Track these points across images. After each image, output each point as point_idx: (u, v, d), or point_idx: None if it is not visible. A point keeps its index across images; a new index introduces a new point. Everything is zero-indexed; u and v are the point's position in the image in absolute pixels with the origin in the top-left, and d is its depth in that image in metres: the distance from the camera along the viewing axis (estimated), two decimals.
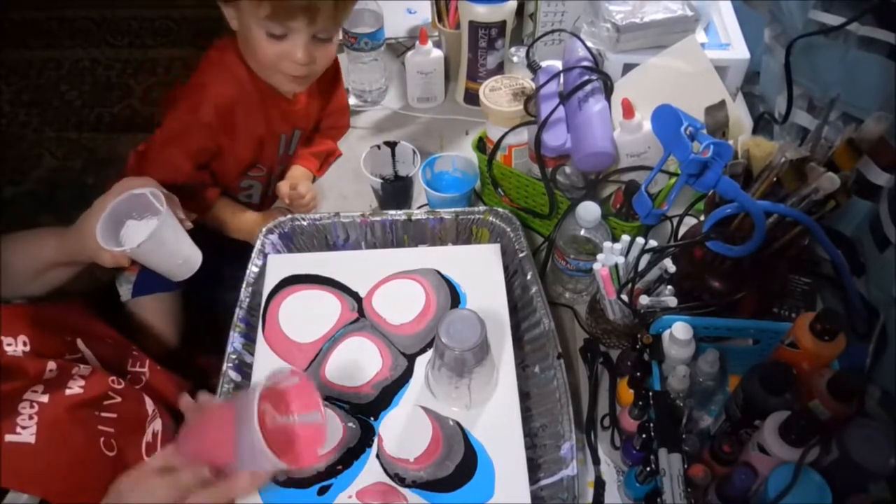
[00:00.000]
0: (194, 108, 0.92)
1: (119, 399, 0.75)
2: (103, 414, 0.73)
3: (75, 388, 0.72)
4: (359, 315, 0.79)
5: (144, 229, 0.75)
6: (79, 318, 0.81)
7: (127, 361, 0.82)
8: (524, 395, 0.75)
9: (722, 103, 0.79)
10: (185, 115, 0.92)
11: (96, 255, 0.75)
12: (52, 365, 0.70)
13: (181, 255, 0.80)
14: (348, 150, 1.14)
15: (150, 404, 0.79)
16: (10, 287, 0.79)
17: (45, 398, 0.68)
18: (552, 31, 1.14)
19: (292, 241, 0.87)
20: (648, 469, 0.67)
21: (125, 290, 1.03)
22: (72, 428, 0.68)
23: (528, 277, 0.80)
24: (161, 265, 0.79)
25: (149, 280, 1.03)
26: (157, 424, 0.79)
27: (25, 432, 0.65)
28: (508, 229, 0.86)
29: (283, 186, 1.02)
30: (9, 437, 0.64)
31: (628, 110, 0.85)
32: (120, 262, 0.75)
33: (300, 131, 1.07)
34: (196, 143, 0.94)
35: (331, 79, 1.07)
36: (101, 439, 0.71)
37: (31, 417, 0.66)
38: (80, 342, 0.78)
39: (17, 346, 0.70)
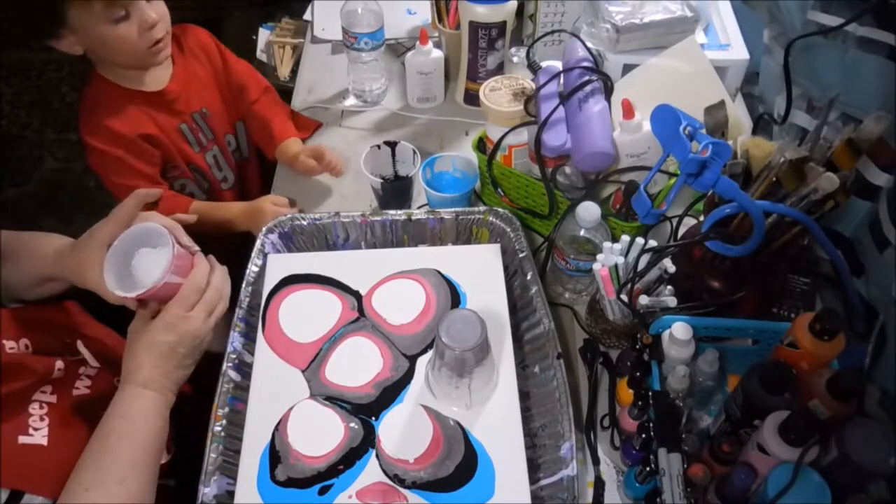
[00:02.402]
0: (99, 151, 0.97)
1: None
2: None
3: (82, 388, 0.72)
4: (359, 314, 0.79)
5: (159, 261, 0.72)
6: (76, 320, 0.80)
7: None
8: (524, 395, 0.75)
9: (721, 103, 0.79)
10: (100, 158, 0.98)
11: (100, 290, 0.73)
12: (59, 364, 0.70)
13: None
14: (348, 149, 1.14)
15: None
16: (7, 292, 0.79)
17: (53, 398, 0.68)
18: (552, 32, 1.14)
19: (292, 241, 0.87)
20: (648, 469, 0.67)
21: None
22: (81, 427, 0.69)
23: (528, 277, 0.80)
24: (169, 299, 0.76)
25: None
26: None
27: (38, 434, 0.65)
28: (508, 229, 0.86)
29: (308, 162, 1.06)
30: (22, 439, 0.64)
31: (628, 111, 0.85)
32: (128, 304, 0.73)
33: (203, 113, 1.09)
34: (129, 172, 0.99)
35: (203, 47, 1.09)
36: None
37: (41, 419, 0.66)
38: (80, 344, 0.77)
39: (19, 349, 0.70)
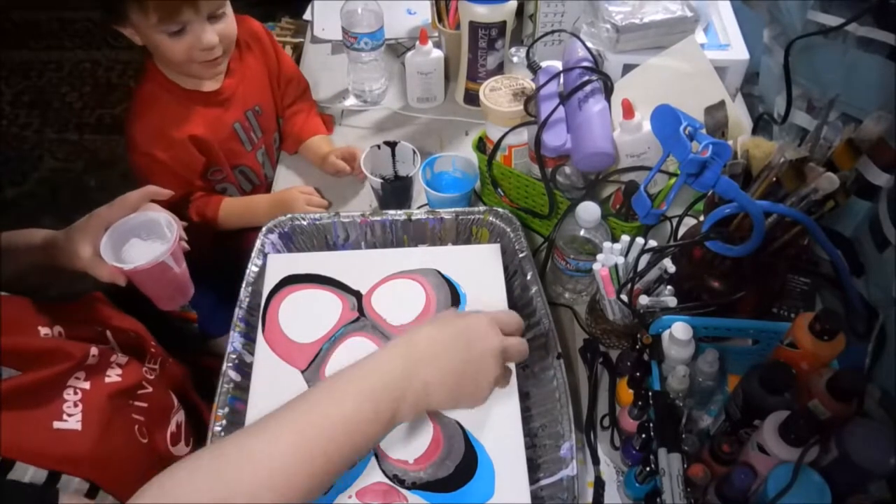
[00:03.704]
0: (143, 153, 0.97)
1: (150, 389, 0.76)
2: (136, 403, 0.74)
3: (113, 376, 0.73)
4: (359, 314, 0.79)
5: (148, 252, 0.75)
6: (103, 310, 0.81)
7: (146, 356, 0.82)
8: (524, 395, 0.75)
9: (721, 103, 0.79)
10: (142, 159, 0.97)
11: (92, 268, 0.74)
12: (94, 350, 0.71)
13: (178, 286, 0.80)
14: None
15: (173, 396, 0.80)
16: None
17: (86, 385, 0.69)
18: (552, 32, 1.14)
19: (292, 241, 0.87)
20: (648, 469, 0.67)
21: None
22: (112, 415, 0.70)
23: (528, 277, 0.80)
24: (156, 292, 0.79)
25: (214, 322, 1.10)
26: (180, 416, 0.80)
27: (72, 419, 0.66)
28: (508, 229, 0.86)
29: (338, 163, 1.05)
30: (57, 424, 0.65)
31: (628, 111, 0.85)
32: (116, 279, 0.74)
33: (256, 111, 1.08)
34: (167, 175, 0.98)
35: (258, 40, 1.09)
36: (136, 426, 0.72)
37: (75, 405, 0.67)
38: (108, 333, 0.78)
39: (53, 335, 0.71)
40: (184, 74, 0.97)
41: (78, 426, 0.66)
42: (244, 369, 0.75)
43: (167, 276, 0.77)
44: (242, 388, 0.74)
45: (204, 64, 0.94)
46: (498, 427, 0.70)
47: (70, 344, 0.70)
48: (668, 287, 0.77)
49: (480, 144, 0.98)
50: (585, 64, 0.91)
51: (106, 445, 0.67)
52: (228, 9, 0.95)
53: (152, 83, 0.98)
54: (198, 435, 0.82)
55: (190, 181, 1.02)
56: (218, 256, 1.15)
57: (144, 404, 0.75)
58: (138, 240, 0.78)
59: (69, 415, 0.66)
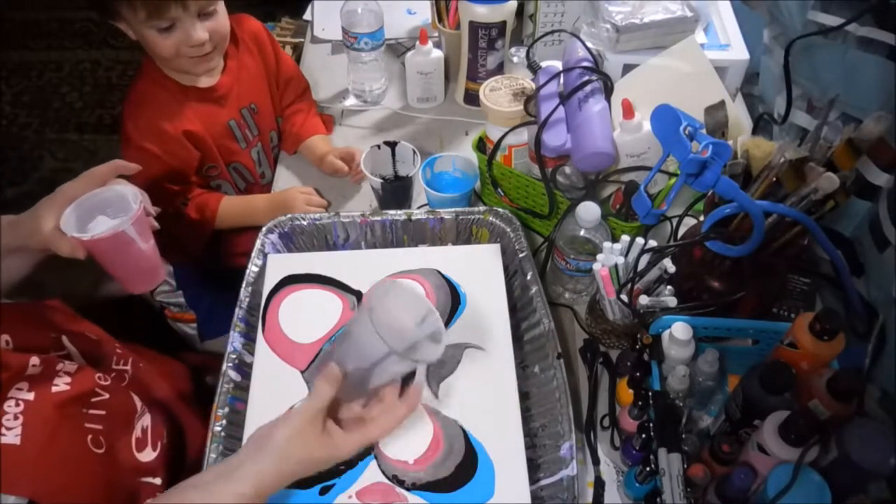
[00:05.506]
0: (137, 147, 0.96)
1: (107, 396, 0.73)
2: (91, 411, 0.71)
3: (61, 384, 0.70)
4: None
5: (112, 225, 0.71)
6: (61, 316, 0.79)
7: (111, 359, 0.80)
8: (524, 395, 0.75)
9: (721, 103, 0.79)
10: (136, 153, 0.97)
11: (52, 242, 0.70)
12: (35, 360, 0.68)
13: (146, 263, 0.76)
14: None
15: (137, 400, 0.78)
16: None
17: (30, 396, 0.66)
18: (552, 32, 1.14)
19: (292, 241, 0.87)
20: (648, 469, 0.67)
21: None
22: (59, 426, 0.67)
23: (528, 277, 0.80)
24: (119, 269, 0.76)
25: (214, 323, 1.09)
26: (145, 420, 0.78)
27: (10, 433, 0.63)
28: (508, 229, 0.86)
29: (336, 163, 1.06)
30: None
31: (628, 111, 0.85)
32: (77, 252, 0.70)
33: (251, 109, 1.08)
34: (162, 169, 0.98)
35: (257, 39, 1.08)
36: (89, 437, 0.70)
37: (16, 417, 0.65)
38: (65, 339, 0.76)
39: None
40: (175, 70, 0.98)
41: (17, 440, 0.63)
42: (244, 369, 0.75)
43: (131, 251, 0.73)
44: (242, 388, 0.74)
45: (194, 59, 0.94)
46: (498, 427, 0.70)
47: (7, 354, 0.68)
48: (668, 287, 0.77)
49: (480, 144, 0.98)
50: (585, 64, 0.91)
51: (49, 458, 0.65)
52: (220, 6, 0.94)
53: (148, 79, 0.98)
54: (171, 439, 0.80)
55: (185, 176, 1.02)
56: (217, 257, 1.15)
57: (101, 412, 0.72)
58: (105, 217, 0.74)
59: (8, 428, 0.63)
